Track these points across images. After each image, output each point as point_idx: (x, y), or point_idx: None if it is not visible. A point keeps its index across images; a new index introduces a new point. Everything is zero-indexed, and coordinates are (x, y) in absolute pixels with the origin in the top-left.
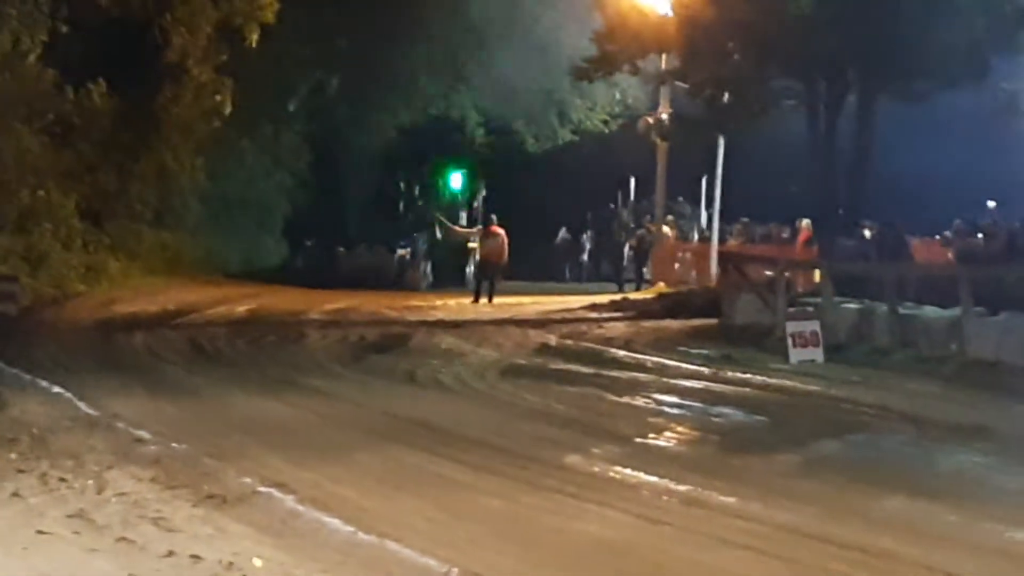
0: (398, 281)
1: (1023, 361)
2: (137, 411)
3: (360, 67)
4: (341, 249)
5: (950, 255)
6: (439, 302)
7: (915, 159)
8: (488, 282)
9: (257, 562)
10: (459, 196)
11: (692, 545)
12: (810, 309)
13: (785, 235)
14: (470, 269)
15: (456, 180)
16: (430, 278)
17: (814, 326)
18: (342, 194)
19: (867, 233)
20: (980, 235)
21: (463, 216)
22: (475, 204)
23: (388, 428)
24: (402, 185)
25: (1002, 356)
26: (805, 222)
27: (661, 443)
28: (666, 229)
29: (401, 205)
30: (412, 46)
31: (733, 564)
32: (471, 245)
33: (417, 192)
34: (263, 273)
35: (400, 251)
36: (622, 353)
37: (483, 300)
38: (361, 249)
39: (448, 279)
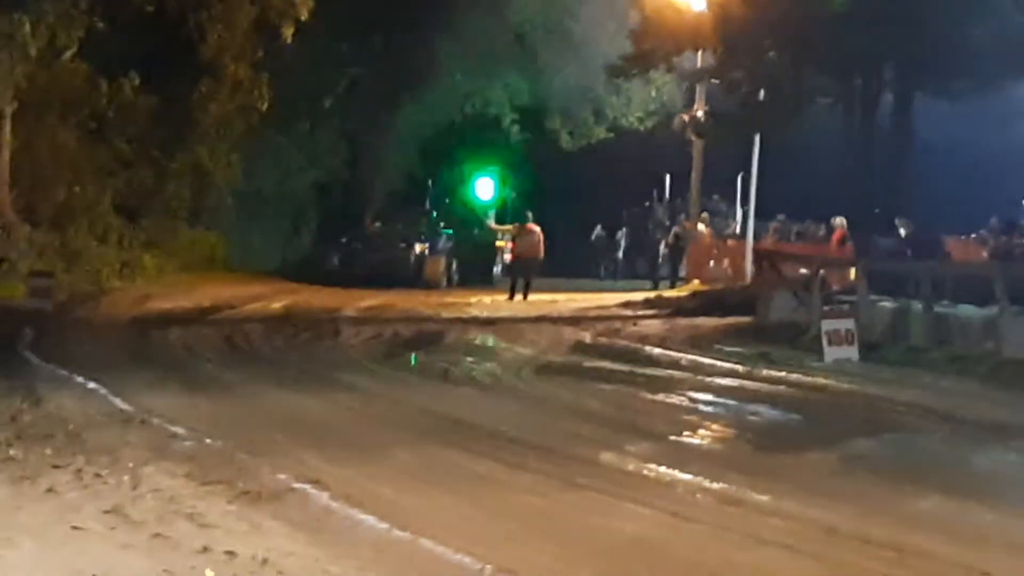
0: (416, 277)
1: None
2: (172, 407)
3: (396, 64)
4: (358, 245)
5: (985, 253)
6: (473, 299)
7: (951, 156)
8: (523, 279)
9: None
10: (487, 206)
11: (727, 543)
12: (845, 307)
13: (820, 233)
14: (498, 268)
15: (486, 189)
16: (455, 276)
17: (849, 324)
18: (374, 191)
19: (902, 231)
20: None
21: (492, 215)
22: (505, 205)
23: (423, 425)
24: (431, 182)
25: None
26: (840, 220)
27: (696, 441)
28: (701, 227)
29: (428, 202)
30: (448, 43)
31: (768, 562)
32: (499, 243)
33: (446, 189)
34: (297, 270)
35: (419, 246)
36: (657, 351)
37: (518, 297)
38: (378, 244)
39: (475, 277)
